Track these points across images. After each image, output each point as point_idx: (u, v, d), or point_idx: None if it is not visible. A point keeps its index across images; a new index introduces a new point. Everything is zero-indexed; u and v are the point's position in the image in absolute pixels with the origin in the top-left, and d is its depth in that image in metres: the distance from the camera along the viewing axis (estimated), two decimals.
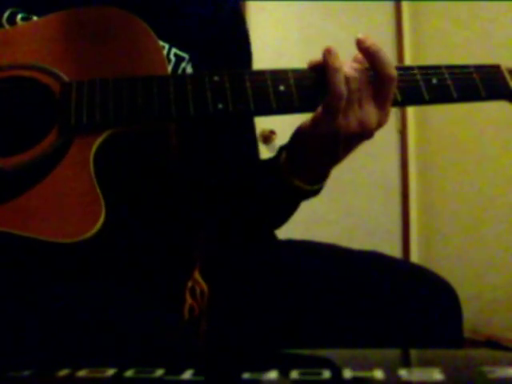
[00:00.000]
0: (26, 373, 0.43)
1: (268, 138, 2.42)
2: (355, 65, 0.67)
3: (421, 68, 0.70)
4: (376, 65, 0.66)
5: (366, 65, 0.67)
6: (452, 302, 0.74)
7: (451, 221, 2.64)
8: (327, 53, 0.66)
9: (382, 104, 0.67)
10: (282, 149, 0.74)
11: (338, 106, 0.65)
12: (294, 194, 0.74)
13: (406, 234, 2.80)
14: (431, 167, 2.74)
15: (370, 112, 0.66)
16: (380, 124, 0.67)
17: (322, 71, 0.66)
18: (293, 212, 0.79)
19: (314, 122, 0.67)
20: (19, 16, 0.73)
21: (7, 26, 0.72)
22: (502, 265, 2.37)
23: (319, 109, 0.66)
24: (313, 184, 0.72)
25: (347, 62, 0.67)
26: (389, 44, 2.75)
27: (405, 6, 2.80)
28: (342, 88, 0.64)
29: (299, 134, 0.70)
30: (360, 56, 0.67)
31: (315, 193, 0.74)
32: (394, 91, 0.67)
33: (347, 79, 0.65)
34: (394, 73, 0.66)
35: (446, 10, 2.59)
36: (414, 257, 2.78)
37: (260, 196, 0.78)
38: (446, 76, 0.70)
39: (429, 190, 2.76)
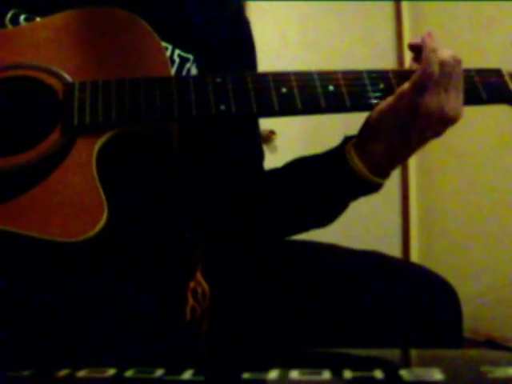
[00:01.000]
0: (26, 373, 0.43)
1: (268, 138, 2.42)
2: (454, 54, 0.69)
3: None
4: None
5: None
6: (452, 302, 0.74)
7: (451, 221, 2.64)
8: (427, 36, 0.70)
9: (458, 94, 0.69)
10: (346, 138, 0.74)
11: (426, 83, 0.67)
12: (353, 184, 0.73)
13: (406, 234, 2.80)
14: (431, 167, 2.74)
15: (452, 100, 0.68)
16: (456, 116, 0.69)
17: (417, 51, 0.71)
18: (340, 212, 0.79)
19: (398, 96, 0.68)
20: (22, 17, 0.73)
21: (10, 27, 0.72)
22: (502, 265, 2.37)
23: (406, 84, 0.68)
24: (375, 175, 0.72)
25: (446, 49, 0.69)
26: (389, 44, 2.75)
27: (405, 5, 2.80)
28: (435, 68, 0.67)
29: (379, 110, 0.70)
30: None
31: (373, 188, 0.74)
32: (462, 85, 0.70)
33: (442, 62, 0.68)
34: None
35: (446, 10, 2.59)
36: (414, 257, 2.78)
37: (314, 188, 0.76)
38: None
39: (429, 190, 2.76)
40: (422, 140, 0.70)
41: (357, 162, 0.71)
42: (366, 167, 0.71)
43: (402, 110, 0.68)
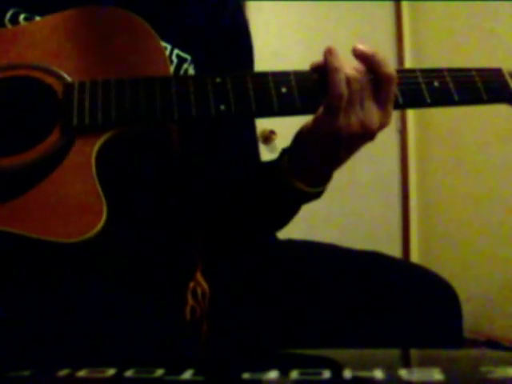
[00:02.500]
0: (26, 373, 0.43)
1: (268, 138, 2.42)
2: (358, 66, 0.67)
3: (423, 71, 0.70)
4: (373, 66, 0.66)
5: None
6: (452, 302, 0.74)
7: (451, 221, 2.64)
8: (328, 53, 0.66)
9: (383, 104, 0.67)
10: (284, 151, 0.74)
11: (338, 105, 0.65)
12: (295, 197, 0.73)
13: (406, 234, 2.80)
14: (431, 167, 2.74)
15: (372, 112, 0.66)
16: (382, 125, 0.67)
17: (323, 72, 0.67)
18: (294, 214, 0.79)
19: (315, 122, 0.67)
20: (22, 16, 0.73)
21: (10, 26, 0.72)
22: (502, 265, 2.37)
23: (320, 109, 0.66)
24: (314, 186, 0.72)
25: (349, 63, 0.67)
26: (389, 44, 2.75)
27: (405, 6, 2.80)
28: (343, 88, 0.65)
29: (301, 134, 0.70)
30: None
31: (316, 195, 0.74)
32: (394, 91, 0.67)
33: (348, 80, 0.65)
34: (393, 71, 0.66)
35: (446, 9, 2.59)
36: (414, 257, 2.78)
37: (262, 198, 0.77)
38: (448, 79, 0.70)
39: (429, 190, 2.76)
40: (351, 152, 0.69)
41: (292, 179, 0.71)
42: (301, 182, 0.71)
43: (322, 135, 0.67)
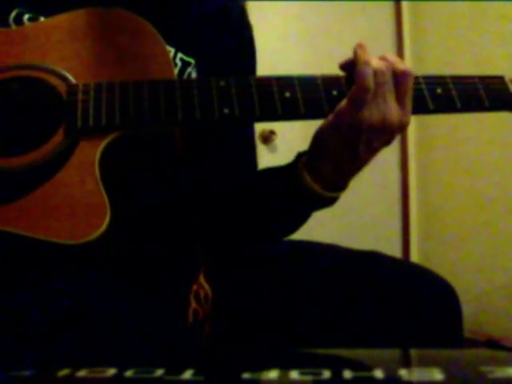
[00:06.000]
0: (26, 373, 0.43)
1: (268, 138, 2.42)
2: (383, 60, 0.68)
3: (426, 77, 0.71)
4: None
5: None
6: (452, 302, 0.74)
7: (451, 221, 2.64)
8: (358, 47, 0.68)
9: (401, 100, 0.67)
10: (300, 154, 0.74)
11: (364, 98, 0.65)
12: (308, 200, 0.73)
13: (406, 234, 2.80)
14: (431, 167, 2.74)
15: (393, 107, 0.67)
16: (402, 123, 0.68)
17: (350, 68, 0.68)
18: (303, 221, 0.78)
19: (337, 113, 0.67)
20: (26, 16, 0.73)
21: (14, 26, 0.72)
22: (501, 265, 2.37)
23: (344, 100, 0.67)
24: (330, 190, 0.72)
25: (376, 57, 0.68)
26: (389, 44, 2.75)
27: (405, 6, 2.80)
28: (370, 81, 0.65)
29: (322, 128, 0.70)
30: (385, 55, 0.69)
31: (330, 202, 0.74)
32: (410, 86, 0.68)
33: (375, 72, 0.66)
34: (408, 67, 0.68)
35: (446, 10, 2.59)
36: (414, 257, 2.78)
37: (272, 201, 0.77)
38: (451, 86, 0.70)
39: (429, 190, 2.76)
40: (371, 151, 0.70)
41: (309, 182, 0.71)
42: (319, 185, 0.71)
43: (343, 127, 0.67)
